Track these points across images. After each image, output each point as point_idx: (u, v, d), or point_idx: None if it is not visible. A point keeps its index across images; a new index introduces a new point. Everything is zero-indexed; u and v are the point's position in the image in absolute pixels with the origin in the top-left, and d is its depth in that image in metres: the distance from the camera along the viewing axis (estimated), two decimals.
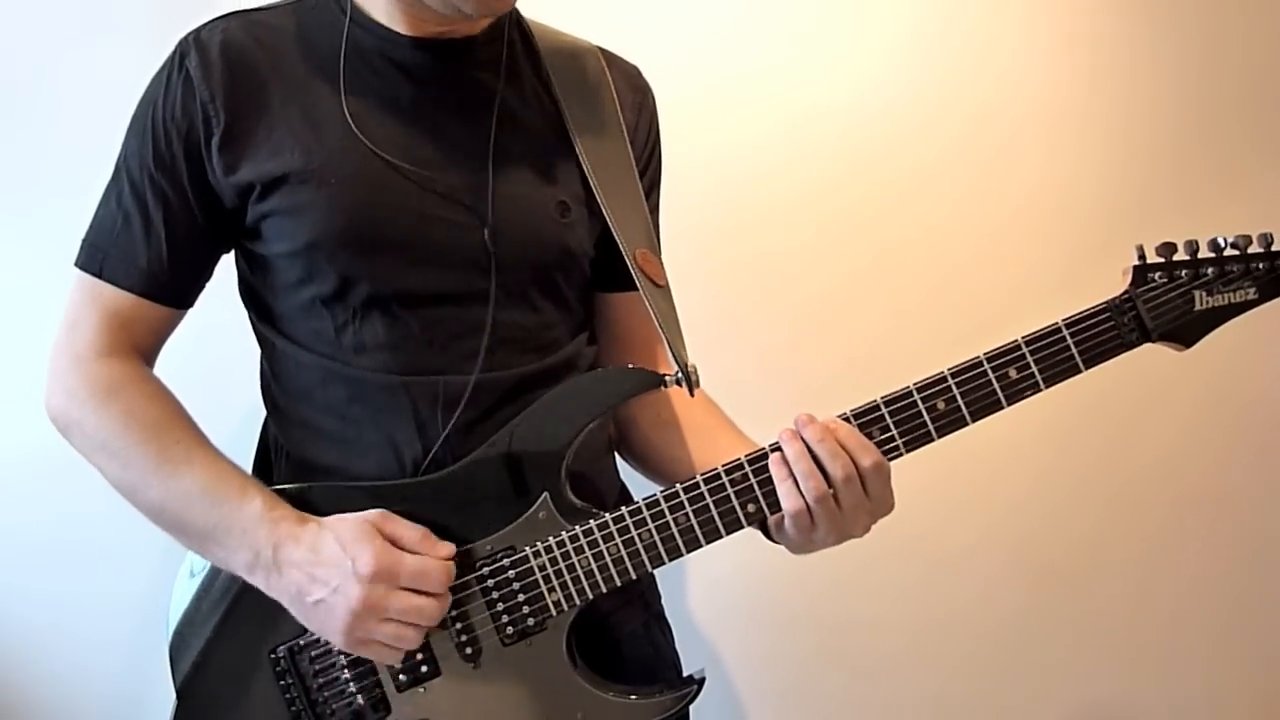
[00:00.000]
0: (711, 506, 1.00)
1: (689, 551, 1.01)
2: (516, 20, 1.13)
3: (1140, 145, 1.72)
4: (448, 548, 0.98)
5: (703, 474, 1.00)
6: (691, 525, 1.00)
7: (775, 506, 0.99)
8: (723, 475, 1.00)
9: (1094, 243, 1.65)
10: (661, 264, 1.12)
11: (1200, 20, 1.73)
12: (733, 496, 1.00)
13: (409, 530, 0.98)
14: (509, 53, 1.09)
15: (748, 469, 1.00)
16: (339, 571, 0.94)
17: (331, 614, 0.95)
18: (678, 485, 1.01)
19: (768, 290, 1.66)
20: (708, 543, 1.01)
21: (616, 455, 1.20)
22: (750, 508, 1.00)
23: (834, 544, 1.00)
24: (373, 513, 0.98)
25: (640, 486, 1.09)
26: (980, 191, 1.70)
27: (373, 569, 0.93)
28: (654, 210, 1.20)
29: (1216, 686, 1.74)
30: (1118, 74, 1.72)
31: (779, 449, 0.99)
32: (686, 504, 1.00)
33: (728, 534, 1.01)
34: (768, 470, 0.99)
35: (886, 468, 0.98)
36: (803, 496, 0.97)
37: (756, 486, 1.00)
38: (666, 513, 1.00)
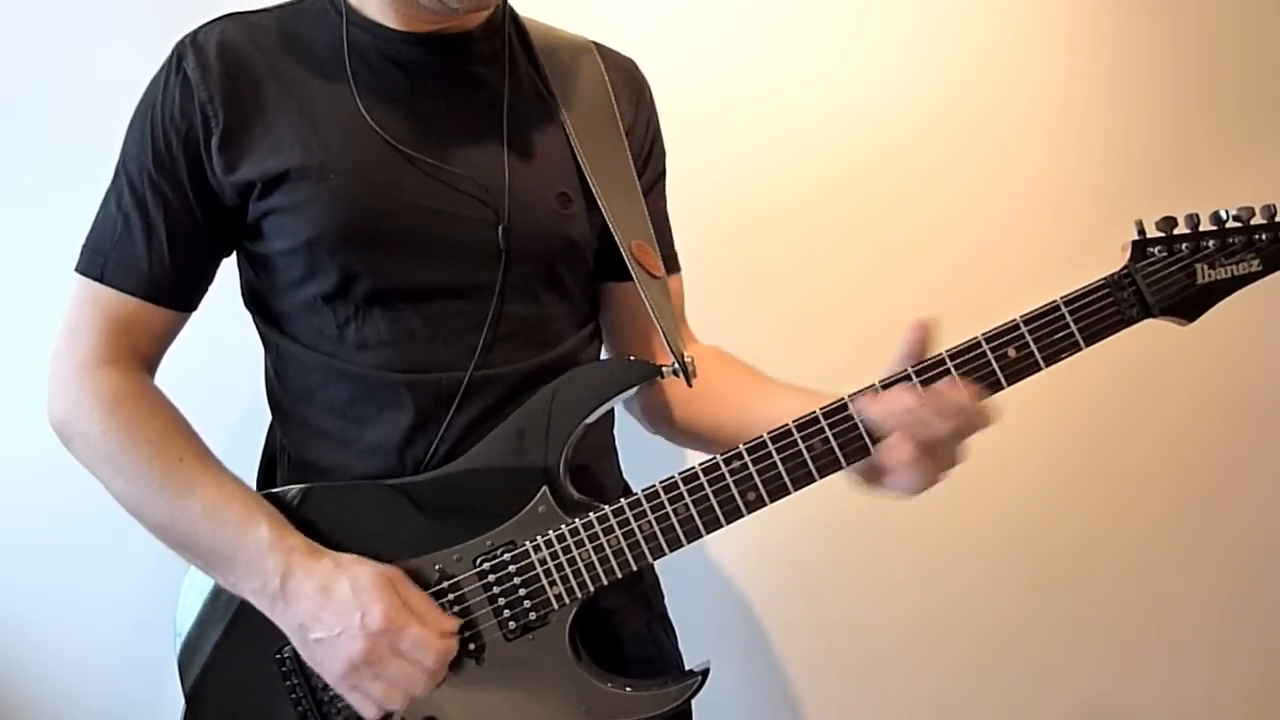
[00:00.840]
0: (711, 496, 0.99)
1: (689, 542, 1.00)
2: (512, 16, 1.13)
3: (1140, 139, 1.70)
4: (453, 622, 0.98)
5: (701, 463, 1.00)
6: (691, 515, 0.99)
7: (776, 494, 0.99)
8: (721, 465, 0.99)
9: (1095, 238, 1.61)
10: (658, 255, 1.12)
11: (1198, 11, 1.71)
12: (731, 485, 0.99)
13: (419, 598, 0.98)
14: (505, 48, 1.09)
15: (747, 458, 0.99)
16: (346, 618, 0.94)
17: (330, 655, 0.95)
18: (676, 475, 1.00)
19: (768, 289, 1.65)
20: (708, 532, 1.00)
21: (673, 443, 1.20)
22: (750, 496, 0.99)
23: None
24: (391, 569, 0.98)
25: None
26: (980, 189, 1.68)
27: (381, 626, 0.94)
28: (660, 198, 1.20)
29: (1216, 685, 1.74)
30: (1115, 69, 1.70)
31: (799, 437, 0.97)
32: (686, 494, 0.99)
33: (728, 523, 1.00)
34: (768, 458, 0.98)
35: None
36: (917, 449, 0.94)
37: (756, 474, 0.99)
38: (666, 504, 1.00)
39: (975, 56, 1.68)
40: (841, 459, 0.98)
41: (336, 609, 0.94)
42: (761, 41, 1.65)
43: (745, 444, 0.99)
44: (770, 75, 1.65)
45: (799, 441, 0.98)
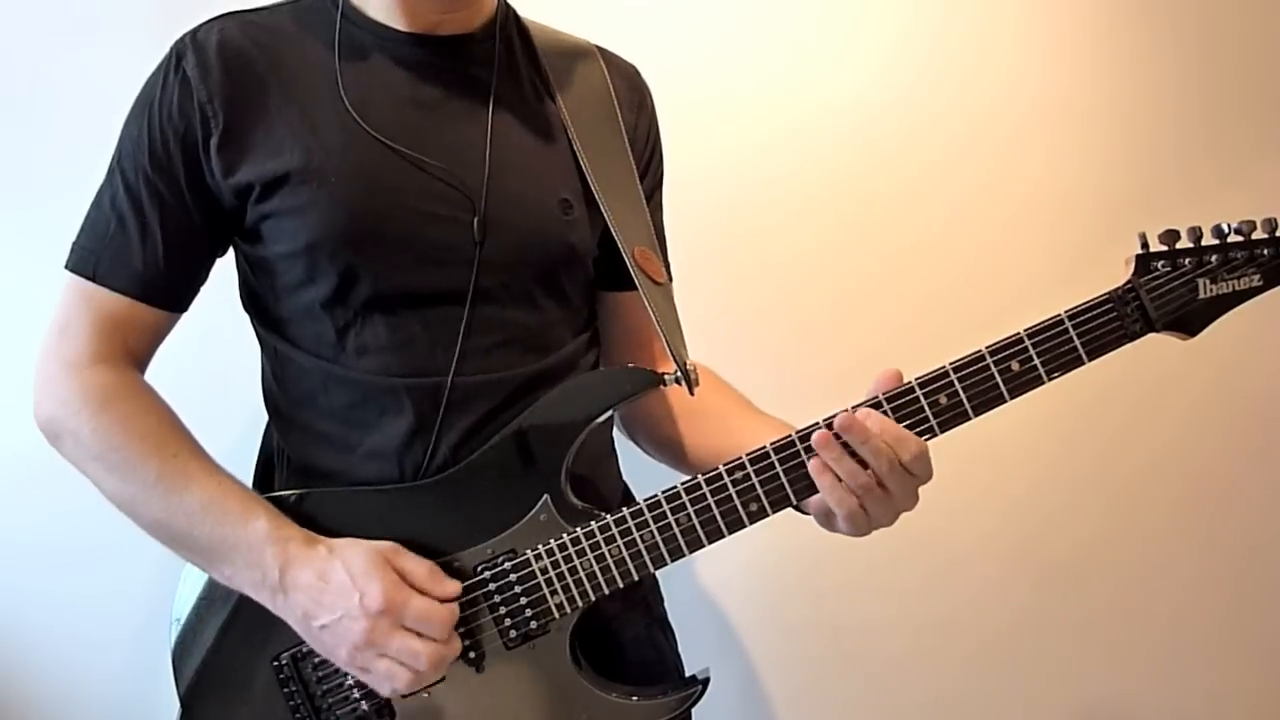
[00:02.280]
0: (713, 506, 0.99)
1: (691, 552, 1.00)
2: (515, 19, 1.12)
3: (1144, 139, 1.71)
4: (454, 586, 0.98)
5: (704, 473, 1.00)
6: (693, 525, 0.99)
7: (778, 505, 0.99)
8: (724, 475, 0.99)
9: (1102, 238, 1.64)
10: (661, 262, 1.12)
11: (1198, 11, 1.71)
12: (734, 496, 0.99)
13: (418, 565, 0.97)
14: (506, 51, 1.09)
15: (749, 468, 0.99)
16: (345, 602, 0.93)
17: (336, 640, 0.95)
18: (678, 485, 1.00)
19: (774, 292, 1.65)
20: (710, 543, 1.00)
21: (644, 453, 1.21)
22: (753, 507, 0.99)
23: (889, 524, 0.99)
24: (384, 544, 0.97)
25: (645, 487, 1.08)
26: (984, 191, 1.68)
27: (380, 605, 0.93)
28: (658, 209, 1.19)
29: (1217, 689, 1.76)
30: (1117, 69, 1.71)
31: (803, 449, 0.98)
32: (688, 504, 0.99)
33: (730, 534, 1.00)
34: (771, 469, 0.99)
35: (926, 451, 0.97)
36: (853, 494, 0.96)
37: (758, 485, 0.99)
38: (668, 513, 0.99)
39: (978, 57, 1.68)
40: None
41: (334, 594, 0.94)
42: (767, 46, 1.65)
43: (748, 454, 0.99)
44: (776, 80, 1.64)
45: (802, 453, 0.98)
